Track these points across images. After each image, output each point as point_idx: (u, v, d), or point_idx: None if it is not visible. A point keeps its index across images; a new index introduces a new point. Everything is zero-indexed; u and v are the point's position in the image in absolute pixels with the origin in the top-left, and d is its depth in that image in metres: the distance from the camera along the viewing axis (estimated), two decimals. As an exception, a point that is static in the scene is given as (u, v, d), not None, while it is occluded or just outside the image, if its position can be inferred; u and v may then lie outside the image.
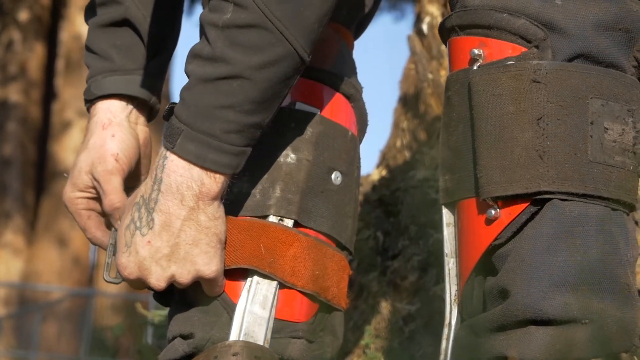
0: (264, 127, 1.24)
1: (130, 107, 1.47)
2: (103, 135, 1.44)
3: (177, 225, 1.24)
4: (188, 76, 1.22)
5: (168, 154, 1.23)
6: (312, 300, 1.36)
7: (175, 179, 1.23)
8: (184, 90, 1.22)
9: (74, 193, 1.43)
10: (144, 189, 1.26)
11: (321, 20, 1.20)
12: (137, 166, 1.47)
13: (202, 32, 1.22)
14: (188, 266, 1.25)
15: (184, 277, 1.26)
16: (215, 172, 1.22)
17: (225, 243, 1.29)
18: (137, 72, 1.47)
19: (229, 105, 1.20)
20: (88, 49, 1.49)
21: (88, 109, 1.48)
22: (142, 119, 1.49)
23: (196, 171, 1.22)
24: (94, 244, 1.46)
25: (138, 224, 1.25)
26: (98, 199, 1.44)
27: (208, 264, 1.26)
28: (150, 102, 1.48)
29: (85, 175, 1.42)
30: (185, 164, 1.22)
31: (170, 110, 1.26)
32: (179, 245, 1.24)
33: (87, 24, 1.50)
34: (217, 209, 1.25)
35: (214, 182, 1.23)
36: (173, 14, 1.50)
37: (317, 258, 1.33)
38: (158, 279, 1.26)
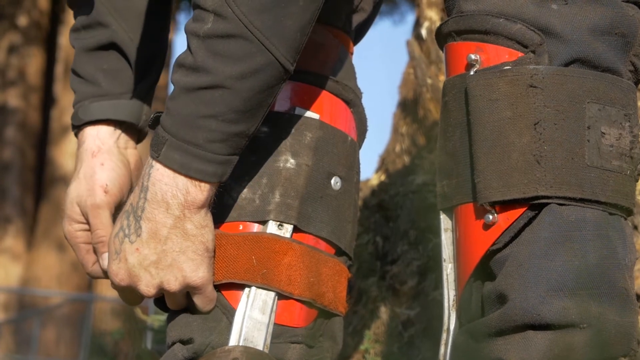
0: (250, 135, 1.24)
1: (119, 131, 1.46)
2: (92, 164, 1.43)
3: (163, 233, 1.24)
4: (174, 85, 1.23)
5: (154, 162, 1.24)
6: (311, 306, 1.36)
7: (161, 188, 1.23)
8: (169, 99, 1.23)
9: (72, 226, 1.43)
10: (132, 197, 1.27)
11: (303, 29, 1.20)
12: (130, 191, 1.46)
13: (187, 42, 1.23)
14: (175, 272, 1.26)
15: (172, 283, 1.26)
16: (201, 180, 1.23)
17: (215, 255, 1.29)
18: (125, 96, 1.46)
19: (212, 114, 1.20)
20: (74, 72, 1.48)
21: (76, 135, 1.48)
22: (131, 143, 1.49)
23: (181, 180, 1.23)
24: (93, 277, 1.45)
25: (127, 231, 1.26)
26: None
27: (195, 271, 1.26)
28: (139, 125, 1.48)
29: (76, 207, 1.42)
30: (170, 173, 1.23)
31: (156, 120, 1.27)
32: (166, 252, 1.25)
33: (73, 46, 1.49)
34: (203, 218, 1.26)
35: (200, 191, 1.23)
36: (160, 36, 1.49)
37: (311, 265, 1.34)
38: (147, 285, 1.27)
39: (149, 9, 1.47)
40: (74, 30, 1.49)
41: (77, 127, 1.47)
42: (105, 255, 1.38)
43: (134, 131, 1.49)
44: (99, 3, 1.45)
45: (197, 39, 1.19)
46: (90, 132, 1.45)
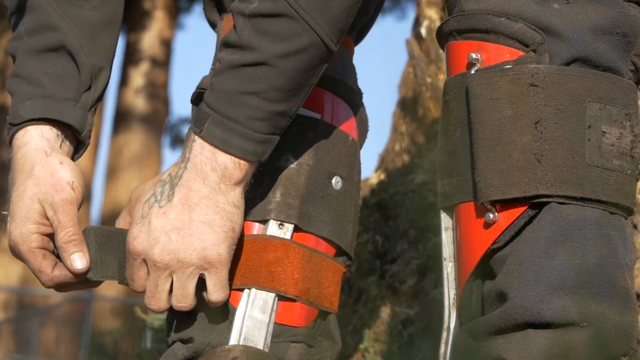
0: (292, 116, 1.25)
1: (62, 137, 1.39)
2: (51, 162, 1.35)
3: (194, 201, 1.24)
4: (219, 63, 1.24)
5: (196, 137, 1.25)
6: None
7: (201, 160, 1.24)
8: (214, 75, 1.24)
9: (26, 227, 1.32)
10: (173, 168, 1.28)
11: (349, 10, 1.21)
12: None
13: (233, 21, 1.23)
14: (195, 243, 1.24)
15: (189, 252, 1.23)
16: (240, 158, 1.23)
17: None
18: (69, 103, 1.39)
19: (253, 91, 1.21)
20: (16, 75, 1.40)
21: (11, 136, 1.38)
22: (69, 155, 1.41)
23: (221, 156, 1.23)
24: (50, 286, 1.35)
25: (159, 197, 1.26)
26: (49, 234, 1.34)
27: (215, 245, 1.24)
28: (81, 135, 1.41)
29: (38, 204, 1.32)
30: (210, 148, 1.23)
31: (199, 96, 1.27)
32: (192, 221, 1.24)
33: (13, 55, 1.41)
34: (238, 198, 1.26)
35: (238, 169, 1.24)
36: (109, 51, 1.44)
37: (295, 261, 1.33)
38: (162, 250, 1.24)
39: (99, 22, 1.43)
40: (15, 38, 1.42)
41: (15, 127, 1.38)
42: (76, 255, 1.32)
43: (74, 141, 1.41)
44: (50, 8, 1.40)
45: (242, 18, 1.21)
46: (34, 131, 1.36)
